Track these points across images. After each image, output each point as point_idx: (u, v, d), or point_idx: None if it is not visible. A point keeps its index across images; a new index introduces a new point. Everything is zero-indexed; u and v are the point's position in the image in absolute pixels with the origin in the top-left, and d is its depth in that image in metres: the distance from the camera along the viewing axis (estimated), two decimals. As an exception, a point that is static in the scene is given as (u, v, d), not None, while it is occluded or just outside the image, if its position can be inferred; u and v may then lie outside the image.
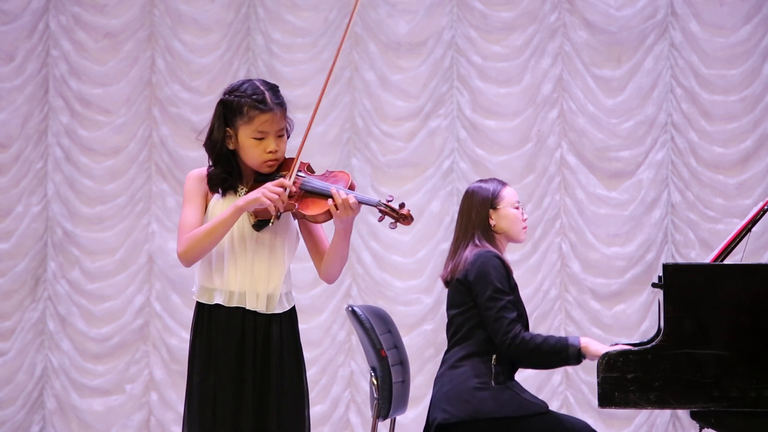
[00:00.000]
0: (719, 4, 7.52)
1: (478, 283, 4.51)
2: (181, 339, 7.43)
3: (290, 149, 3.94)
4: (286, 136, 3.88)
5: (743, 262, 4.41)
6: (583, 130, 7.54)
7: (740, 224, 4.52)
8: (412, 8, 7.62)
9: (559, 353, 4.44)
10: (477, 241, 4.62)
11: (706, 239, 7.40)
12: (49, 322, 7.59)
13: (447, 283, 4.68)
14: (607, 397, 4.17)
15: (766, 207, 4.46)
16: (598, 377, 4.19)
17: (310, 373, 7.27)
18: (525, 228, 4.71)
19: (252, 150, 3.83)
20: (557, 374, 7.40)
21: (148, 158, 7.67)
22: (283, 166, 3.88)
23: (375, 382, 4.80)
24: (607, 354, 4.20)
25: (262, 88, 3.85)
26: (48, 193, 7.65)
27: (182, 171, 7.40)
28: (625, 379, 4.14)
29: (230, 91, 3.88)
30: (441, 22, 7.62)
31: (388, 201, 3.77)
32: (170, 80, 7.65)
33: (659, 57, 7.54)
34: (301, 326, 3.98)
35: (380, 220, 3.80)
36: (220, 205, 3.84)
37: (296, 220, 3.92)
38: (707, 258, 6.13)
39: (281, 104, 3.86)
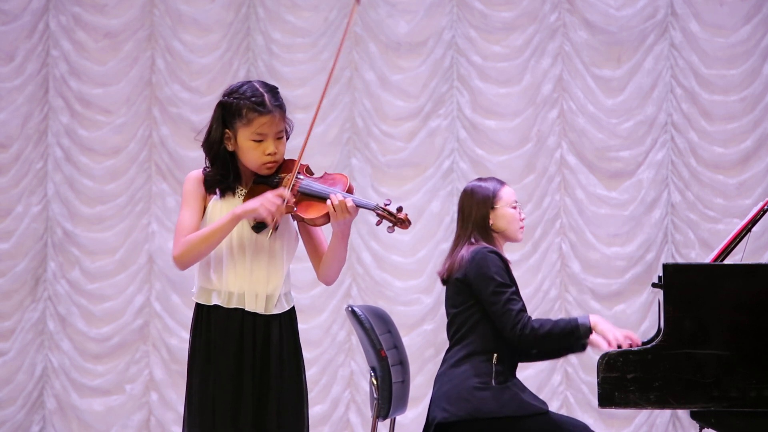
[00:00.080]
0: (719, 4, 7.52)
1: (479, 279, 4.51)
2: (181, 339, 7.43)
3: (290, 150, 3.94)
4: (285, 138, 3.88)
5: (743, 262, 4.41)
6: (583, 130, 7.54)
7: (740, 224, 4.52)
8: (412, 8, 7.62)
9: (572, 334, 4.43)
10: (474, 240, 4.62)
11: (706, 239, 7.40)
12: (49, 322, 7.59)
13: (444, 281, 4.68)
14: (607, 397, 4.17)
15: (766, 207, 4.46)
16: (598, 377, 4.19)
17: (310, 373, 7.30)
18: (522, 228, 4.72)
19: (251, 152, 3.83)
20: (557, 374, 7.40)
21: (148, 158, 7.67)
22: (282, 167, 3.87)
23: (375, 382, 4.80)
24: (607, 354, 4.20)
25: (261, 90, 3.84)
26: (48, 193, 7.65)
27: (182, 171, 7.40)
28: (625, 379, 4.14)
29: (229, 92, 3.87)
30: (441, 22, 7.62)
31: (386, 205, 3.77)
32: (170, 80, 7.66)
33: (659, 57, 7.54)
34: (301, 326, 3.98)
35: (378, 224, 3.80)
36: (219, 207, 3.84)
37: (295, 222, 3.92)
38: (707, 258, 6.13)
39: (280, 106, 3.85)
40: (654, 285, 4.40)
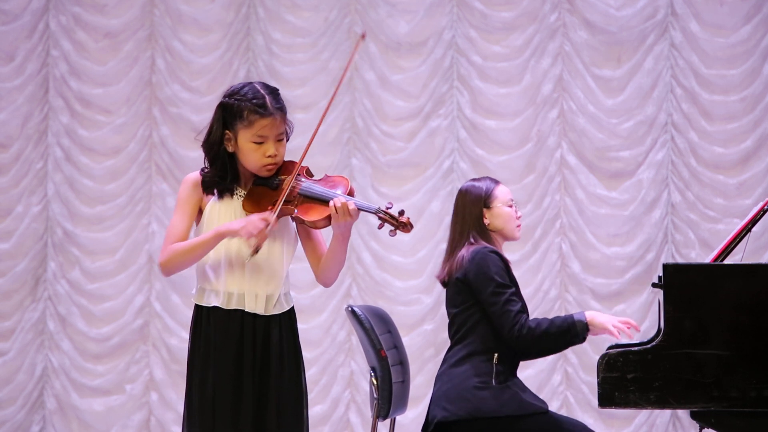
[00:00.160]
0: (719, 4, 7.52)
1: (479, 280, 4.51)
2: (181, 339, 7.43)
3: (290, 150, 3.94)
4: (285, 140, 3.88)
5: (743, 262, 4.41)
6: (583, 130, 7.54)
7: (740, 224, 4.52)
8: (412, 8, 7.62)
9: (569, 331, 4.43)
10: (473, 240, 4.62)
11: (706, 239, 7.40)
12: (49, 322, 7.59)
13: (444, 284, 4.68)
14: (607, 397, 4.17)
15: (766, 207, 4.46)
16: (598, 377, 4.19)
17: (310, 373, 7.30)
18: (519, 226, 4.72)
19: (251, 154, 3.82)
20: (557, 374, 7.40)
21: (148, 158, 7.67)
22: (282, 169, 3.87)
23: (375, 382, 4.80)
24: (607, 354, 4.20)
25: (262, 92, 3.84)
26: (48, 193, 7.65)
27: (182, 171, 7.40)
28: (625, 379, 4.14)
29: (230, 94, 3.87)
30: (441, 22, 7.62)
31: (388, 208, 3.77)
32: (170, 80, 7.66)
33: (659, 57, 7.54)
34: (301, 326, 3.98)
35: (380, 227, 3.80)
36: (217, 209, 3.84)
37: (294, 223, 3.92)
38: (707, 258, 6.13)
39: (281, 109, 3.85)
40: (654, 285, 4.40)
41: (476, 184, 4.72)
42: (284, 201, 3.77)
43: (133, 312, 7.57)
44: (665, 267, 4.19)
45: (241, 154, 3.84)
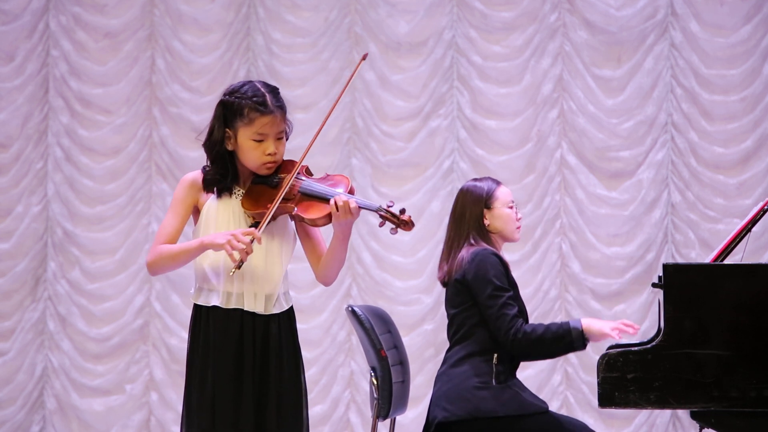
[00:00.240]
0: (719, 4, 7.52)
1: (477, 281, 4.51)
2: (181, 339, 7.42)
3: (290, 150, 3.94)
4: (285, 139, 3.88)
5: (743, 262, 4.41)
6: (583, 130, 7.54)
7: (740, 224, 4.52)
8: (412, 8, 7.62)
9: (563, 339, 4.43)
10: (473, 241, 4.62)
11: (706, 239, 7.40)
12: (49, 322, 7.59)
13: (444, 284, 4.68)
14: (607, 397, 4.17)
15: (766, 207, 4.46)
16: (598, 377, 4.19)
17: (310, 373, 7.30)
18: (519, 228, 4.71)
19: (251, 152, 3.83)
20: (557, 374, 7.40)
21: (148, 158, 7.67)
22: (281, 168, 3.87)
23: (375, 382, 4.80)
24: (607, 354, 4.20)
25: (263, 90, 3.85)
26: (48, 193, 7.65)
27: (182, 171, 7.40)
28: (625, 379, 4.14)
29: (231, 92, 3.87)
30: (441, 22, 7.62)
31: (389, 206, 3.76)
32: (170, 80, 7.66)
33: (659, 57, 7.54)
34: (301, 326, 3.98)
35: (381, 225, 3.79)
36: (215, 208, 3.84)
37: (293, 222, 3.92)
38: (707, 258, 6.13)
39: (281, 107, 3.86)
40: (654, 285, 4.40)
41: (477, 184, 4.71)
42: (283, 199, 3.77)
43: (133, 312, 7.57)
44: (665, 267, 4.19)
45: (241, 152, 3.84)
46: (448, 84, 7.61)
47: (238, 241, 3.68)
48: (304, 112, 7.40)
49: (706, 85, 7.49)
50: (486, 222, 4.65)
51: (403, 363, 4.97)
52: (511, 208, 4.67)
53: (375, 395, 4.80)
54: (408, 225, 3.75)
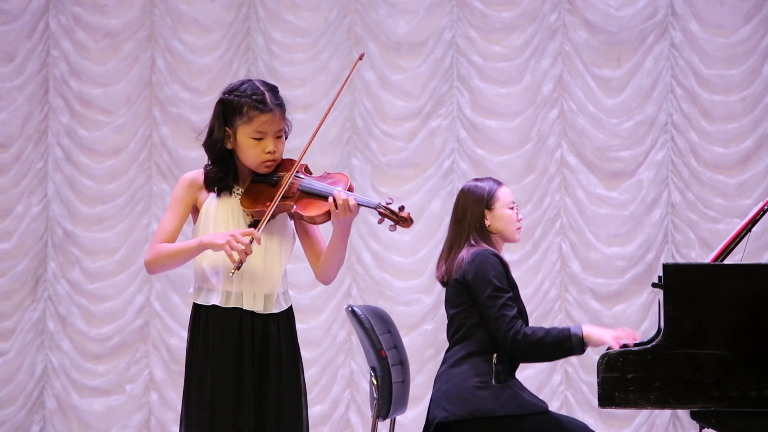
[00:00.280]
0: (719, 4, 7.52)
1: (477, 282, 4.51)
2: (181, 339, 7.42)
3: (290, 150, 3.94)
4: (284, 138, 3.88)
5: (743, 262, 4.40)
6: (584, 130, 7.54)
7: (740, 224, 4.52)
8: (412, 8, 7.62)
9: (563, 344, 4.44)
10: (473, 241, 4.62)
11: (706, 239, 7.40)
12: (49, 322, 7.59)
13: (444, 283, 4.68)
14: (608, 397, 4.17)
15: (766, 207, 4.45)
16: (598, 377, 4.18)
17: (311, 373, 7.30)
18: (519, 228, 4.71)
19: (250, 150, 3.83)
20: (557, 374, 7.40)
21: (149, 158, 7.67)
22: (280, 166, 3.87)
23: (375, 382, 4.80)
24: (607, 354, 4.20)
25: (262, 88, 3.85)
26: (48, 193, 7.65)
27: (182, 171, 7.38)
28: (625, 379, 4.14)
29: (230, 90, 3.88)
30: (441, 22, 7.62)
31: (388, 203, 3.77)
32: (170, 80, 7.66)
33: (659, 57, 7.54)
34: (301, 326, 3.98)
35: (380, 222, 3.80)
36: (214, 206, 3.84)
37: (292, 221, 3.92)
38: (707, 258, 6.13)
39: (281, 105, 3.86)
40: (654, 285, 4.40)
41: (479, 184, 4.71)
42: (282, 197, 3.77)
43: (133, 312, 7.57)
44: (665, 267, 4.19)
45: (240, 150, 3.84)
46: (448, 84, 7.61)
47: (238, 242, 3.68)
48: (304, 112, 7.40)
49: (706, 85, 7.49)
50: (487, 222, 4.65)
51: (403, 363, 4.97)
52: (512, 208, 4.67)
53: (375, 395, 4.80)
54: (407, 222, 3.75)
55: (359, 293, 7.53)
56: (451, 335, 4.62)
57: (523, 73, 7.59)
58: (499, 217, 4.66)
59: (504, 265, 4.57)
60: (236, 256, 3.67)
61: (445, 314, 4.69)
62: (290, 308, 3.91)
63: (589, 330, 4.45)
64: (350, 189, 3.81)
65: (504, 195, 4.68)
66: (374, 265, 7.54)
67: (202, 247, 3.76)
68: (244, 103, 3.82)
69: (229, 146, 3.85)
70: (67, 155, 7.65)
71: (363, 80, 7.62)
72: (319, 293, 7.48)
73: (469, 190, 4.70)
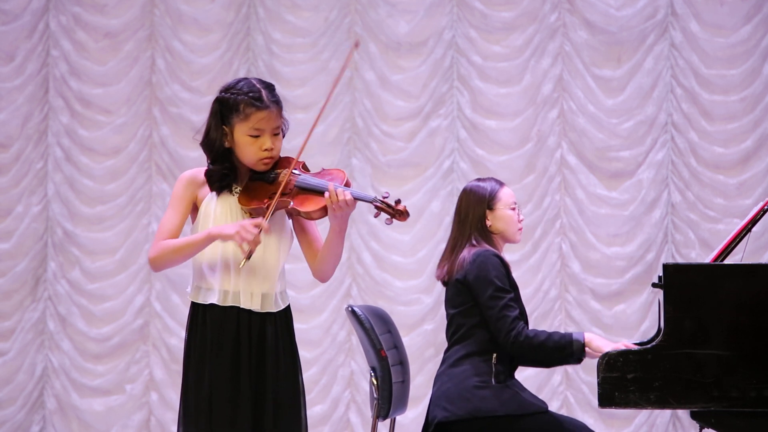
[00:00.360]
0: (719, 4, 7.52)
1: (478, 282, 4.51)
2: (181, 339, 7.38)
3: (289, 150, 3.94)
4: (281, 135, 3.88)
5: (743, 262, 4.40)
6: (584, 130, 7.54)
7: (740, 224, 4.52)
8: (412, 8, 7.62)
9: (564, 349, 4.44)
10: (474, 241, 4.62)
11: (706, 239, 7.40)
12: (49, 322, 7.59)
13: (445, 283, 4.68)
14: (608, 397, 4.17)
15: (766, 207, 4.45)
16: (598, 377, 4.18)
17: (311, 373, 7.30)
18: (520, 229, 4.71)
19: (248, 147, 3.83)
20: (557, 374, 7.40)
21: (149, 158, 7.67)
22: (278, 164, 3.88)
23: (375, 382, 4.80)
24: (607, 354, 4.20)
25: (258, 86, 3.85)
26: (48, 193, 7.65)
27: (182, 171, 7.36)
28: (626, 379, 4.14)
29: (226, 89, 3.89)
30: (441, 22, 7.62)
31: (384, 197, 3.77)
32: (170, 80, 7.66)
33: (659, 57, 7.54)
34: (301, 326, 3.98)
35: (376, 216, 3.81)
36: (214, 204, 3.84)
37: (290, 219, 3.92)
38: (707, 258, 6.13)
39: (277, 102, 3.86)
40: (654, 285, 4.40)
41: (481, 184, 4.71)
42: (281, 194, 3.77)
43: (133, 312, 7.57)
44: (665, 267, 4.19)
45: (238, 148, 3.84)
46: (448, 84, 7.61)
47: (248, 232, 3.68)
48: (304, 112, 7.40)
49: (706, 85, 7.49)
50: (488, 223, 4.64)
51: (403, 363, 4.97)
52: (513, 209, 4.67)
53: (375, 395, 4.80)
54: (403, 215, 3.75)
55: (359, 293, 7.53)
56: (450, 335, 4.62)
57: (523, 73, 7.59)
58: (500, 217, 4.66)
59: (505, 266, 4.57)
60: (246, 246, 3.67)
61: (445, 314, 4.69)
62: (288, 308, 3.91)
63: (590, 337, 4.45)
64: (347, 184, 3.81)
65: (506, 196, 4.68)
66: (374, 265, 7.54)
67: (210, 239, 3.76)
68: (241, 101, 3.82)
69: (226, 145, 3.85)
70: (67, 155, 7.65)
71: (363, 80, 7.62)
72: (319, 293, 7.48)
73: (471, 190, 4.70)
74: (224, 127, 3.84)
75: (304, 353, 3.97)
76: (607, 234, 7.50)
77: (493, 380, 4.46)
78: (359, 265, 7.55)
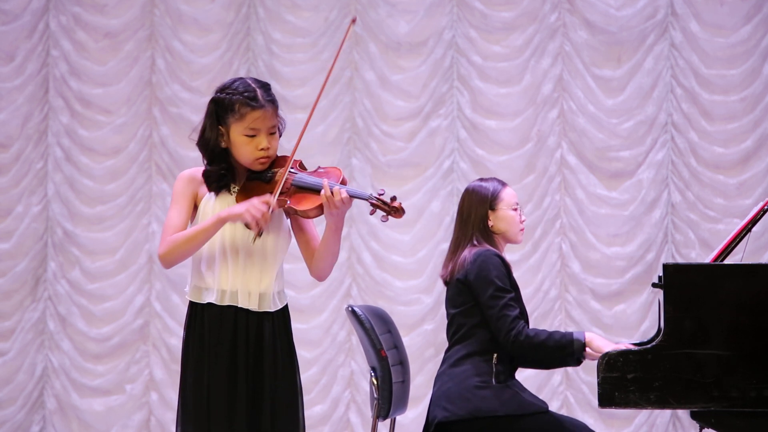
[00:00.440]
0: (719, 4, 7.52)
1: (479, 282, 4.51)
2: (181, 339, 7.41)
3: (287, 149, 3.94)
4: (278, 135, 3.88)
5: (743, 262, 4.40)
6: (584, 130, 7.54)
7: (740, 224, 4.52)
8: (412, 8, 7.62)
9: (565, 349, 4.44)
10: (476, 241, 4.62)
11: (706, 239, 7.40)
12: (49, 322, 7.59)
13: (447, 283, 4.68)
14: (608, 397, 4.17)
15: (766, 207, 4.45)
16: (598, 377, 4.18)
17: (311, 373, 7.30)
18: (522, 230, 4.71)
19: (244, 147, 3.83)
20: (557, 374, 7.40)
21: (148, 158, 7.67)
22: (275, 163, 3.88)
23: (375, 382, 4.80)
24: (607, 354, 4.20)
25: (253, 85, 3.85)
26: (48, 193, 7.65)
27: (182, 171, 7.39)
28: (626, 379, 4.14)
29: (222, 89, 3.89)
30: (441, 22, 7.62)
31: (380, 194, 3.78)
32: (170, 80, 7.66)
33: (659, 57, 7.54)
34: (301, 326, 3.98)
35: (372, 213, 3.81)
36: (212, 204, 3.85)
37: (288, 218, 3.92)
38: (707, 258, 6.13)
39: (273, 101, 3.86)
40: (654, 285, 4.40)
41: (483, 184, 4.71)
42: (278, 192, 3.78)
43: (133, 312, 7.57)
44: (665, 267, 4.19)
45: (234, 148, 3.85)
46: (448, 84, 7.61)
47: (257, 209, 3.69)
48: (304, 112, 7.38)
49: (706, 85, 7.49)
50: (490, 223, 4.64)
51: (403, 363, 4.97)
52: (515, 210, 4.67)
53: (375, 395, 4.80)
54: (399, 212, 3.75)
55: (359, 293, 7.53)
56: (451, 335, 4.62)
57: (523, 73, 7.59)
58: (502, 218, 4.66)
59: (506, 266, 4.58)
60: (256, 223, 3.69)
61: (445, 314, 4.69)
62: (286, 307, 3.91)
63: (591, 336, 4.45)
64: (343, 182, 3.81)
65: (508, 196, 4.68)
66: (374, 265, 7.54)
67: (221, 222, 3.76)
68: (236, 101, 3.82)
69: (222, 145, 3.85)
70: (67, 155, 7.65)
71: (363, 80, 7.62)
72: (319, 293, 7.48)
73: (474, 190, 4.70)
74: (220, 127, 3.85)
75: (304, 353, 3.97)
76: (607, 234, 7.50)
77: (493, 380, 4.47)
78: (359, 265, 7.55)
